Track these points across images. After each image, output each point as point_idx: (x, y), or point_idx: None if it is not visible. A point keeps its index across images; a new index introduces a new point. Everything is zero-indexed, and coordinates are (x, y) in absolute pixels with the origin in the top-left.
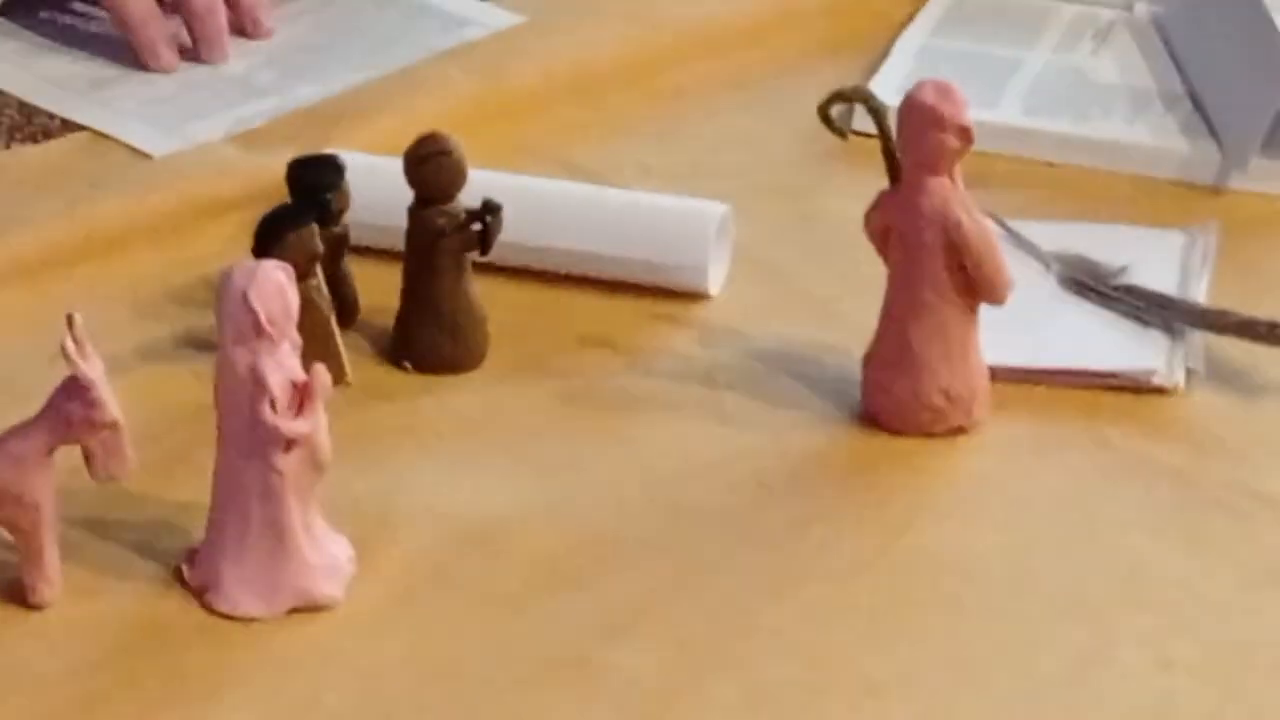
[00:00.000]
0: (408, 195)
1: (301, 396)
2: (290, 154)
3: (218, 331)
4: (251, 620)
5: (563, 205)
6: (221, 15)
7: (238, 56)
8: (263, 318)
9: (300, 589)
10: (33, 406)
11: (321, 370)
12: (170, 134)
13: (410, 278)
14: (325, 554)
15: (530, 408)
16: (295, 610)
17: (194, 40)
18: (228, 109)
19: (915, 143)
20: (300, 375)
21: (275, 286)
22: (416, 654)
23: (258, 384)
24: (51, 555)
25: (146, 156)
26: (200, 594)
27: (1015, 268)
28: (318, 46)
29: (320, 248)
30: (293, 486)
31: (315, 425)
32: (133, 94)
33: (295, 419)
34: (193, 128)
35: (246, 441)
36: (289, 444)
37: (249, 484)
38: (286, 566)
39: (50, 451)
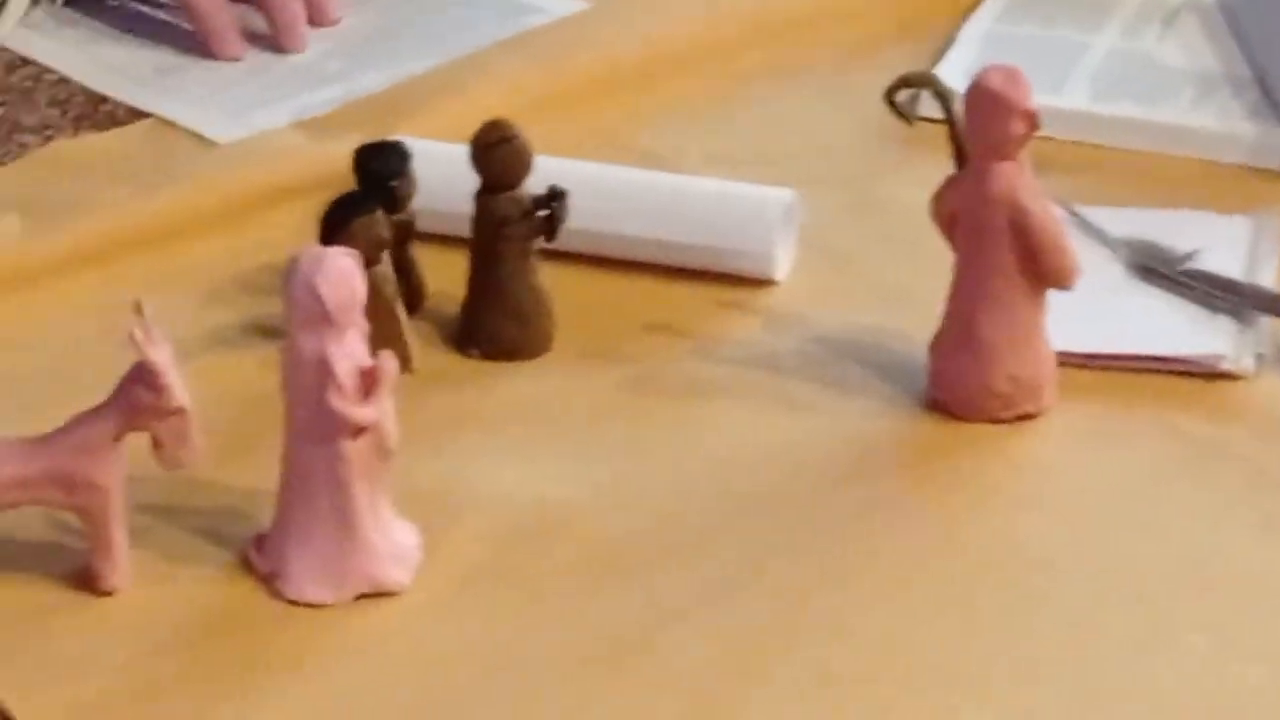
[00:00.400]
0: (474, 182)
1: (369, 383)
2: (356, 141)
3: (285, 318)
4: (319, 607)
5: (628, 192)
6: (298, 3)
7: None
8: (330, 305)
9: (368, 575)
10: (102, 392)
11: (388, 357)
12: (236, 121)
13: (476, 264)
14: (392, 540)
15: (596, 394)
16: (362, 596)
17: (272, 28)
18: (293, 96)
19: (982, 128)
20: (367, 362)
21: (342, 273)
22: (481, 641)
23: (325, 371)
24: (120, 542)
25: (212, 144)
26: (268, 580)
27: (1082, 253)
28: (383, 33)
29: (387, 235)
30: (360, 473)
31: (382, 412)
32: (199, 81)
33: (362, 405)
34: (258, 115)
35: (314, 428)
36: (356, 431)
37: (316, 471)
38: (354, 553)
39: (119, 438)
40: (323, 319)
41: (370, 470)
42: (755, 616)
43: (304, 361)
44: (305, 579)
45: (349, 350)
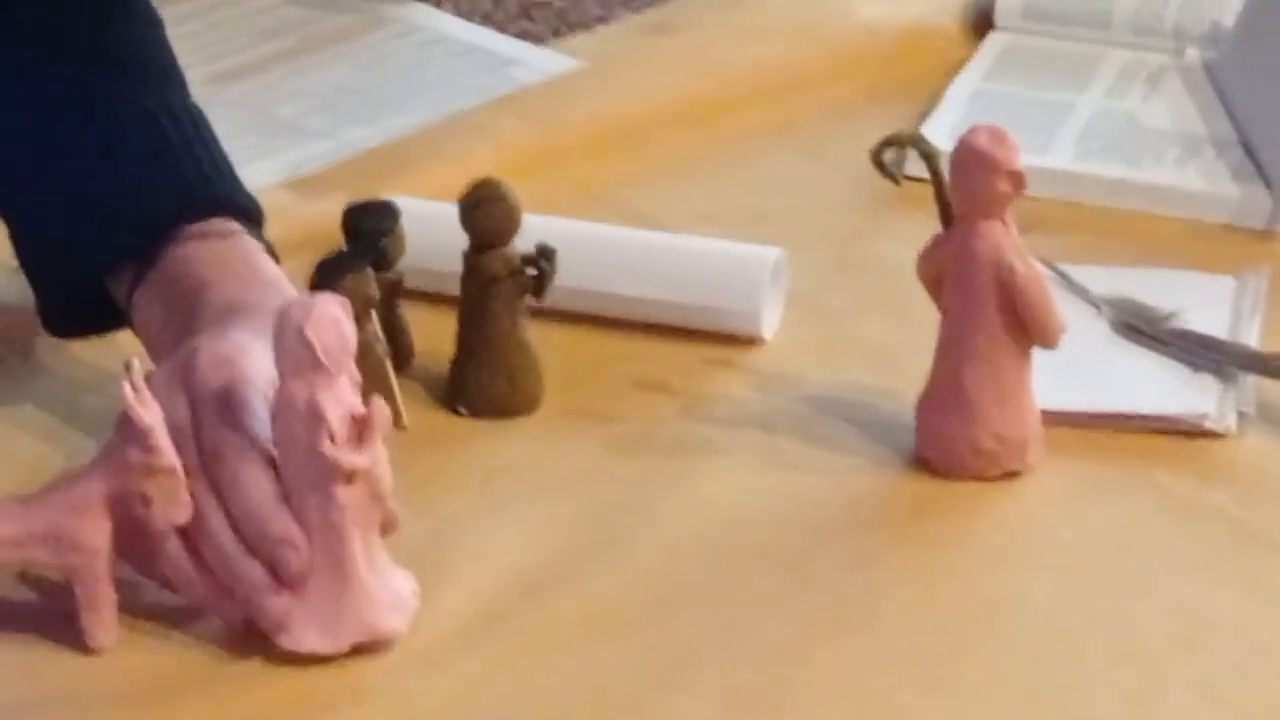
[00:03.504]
0: (463, 240)
1: (361, 429)
2: (345, 199)
3: (276, 366)
4: (316, 657)
5: (617, 250)
6: None
7: (285, 100)
8: (319, 351)
9: (364, 623)
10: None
11: (380, 403)
12: None
13: (465, 323)
14: (390, 588)
15: (584, 452)
16: (360, 646)
17: None
18: (281, 153)
19: (968, 187)
20: (359, 409)
21: (331, 320)
22: (470, 697)
23: (315, 417)
24: (109, 600)
25: None
26: (271, 631)
27: (1067, 312)
28: (365, 88)
29: (376, 292)
30: (354, 520)
31: (375, 458)
32: None
33: (355, 452)
34: (245, 174)
35: (306, 476)
36: (349, 477)
37: (310, 519)
38: (350, 601)
39: (107, 496)
40: (313, 366)
41: (365, 517)
42: (744, 673)
43: (294, 409)
44: (301, 629)
45: (340, 397)
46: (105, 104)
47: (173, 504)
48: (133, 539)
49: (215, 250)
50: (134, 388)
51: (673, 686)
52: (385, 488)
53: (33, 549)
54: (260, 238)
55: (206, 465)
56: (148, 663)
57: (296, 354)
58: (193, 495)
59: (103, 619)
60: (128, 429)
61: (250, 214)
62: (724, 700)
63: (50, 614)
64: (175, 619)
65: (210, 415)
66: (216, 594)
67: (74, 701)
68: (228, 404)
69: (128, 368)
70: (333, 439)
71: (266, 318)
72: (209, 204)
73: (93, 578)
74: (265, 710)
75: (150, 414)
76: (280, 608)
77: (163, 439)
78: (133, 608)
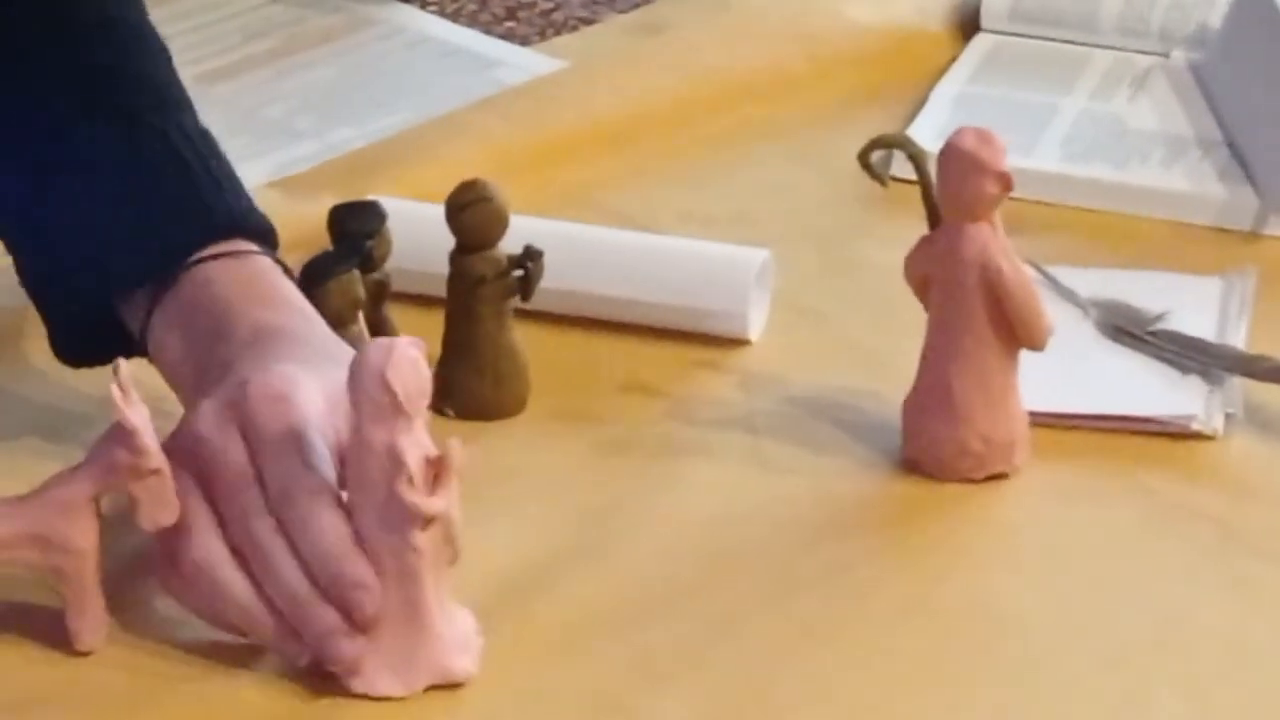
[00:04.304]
0: (449, 241)
1: (436, 472)
2: (331, 200)
3: (352, 410)
4: (385, 699)
5: (603, 252)
6: None
7: (272, 101)
8: (401, 396)
9: (437, 664)
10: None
11: (455, 445)
12: None
13: (451, 324)
14: (456, 627)
15: (570, 454)
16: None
17: None
18: (267, 154)
19: (955, 189)
20: (432, 450)
21: (411, 363)
22: (455, 701)
23: (397, 463)
24: (96, 601)
25: None
26: (334, 675)
27: (1054, 314)
28: (351, 88)
29: (362, 294)
30: (429, 563)
31: (450, 501)
32: None
33: (432, 496)
34: None
35: (383, 519)
36: (427, 521)
37: (385, 562)
38: (423, 643)
39: (95, 498)
40: (394, 410)
41: (438, 559)
42: (732, 676)
43: (374, 453)
44: (375, 672)
45: (417, 439)
46: (119, 127)
47: (160, 505)
48: (197, 582)
49: (234, 271)
50: (121, 389)
51: (659, 688)
52: (457, 529)
53: (20, 550)
54: (276, 258)
55: (274, 508)
56: (135, 664)
57: (377, 399)
58: (257, 538)
59: (90, 620)
60: (115, 430)
61: (265, 235)
62: (711, 702)
63: (37, 615)
64: (163, 622)
65: (273, 456)
66: (282, 634)
67: (61, 703)
68: (291, 445)
69: (115, 369)
70: (411, 483)
71: (305, 346)
72: (225, 225)
73: (80, 579)
74: (252, 711)
75: (137, 415)
76: (353, 652)
77: (150, 440)
78: (121, 609)
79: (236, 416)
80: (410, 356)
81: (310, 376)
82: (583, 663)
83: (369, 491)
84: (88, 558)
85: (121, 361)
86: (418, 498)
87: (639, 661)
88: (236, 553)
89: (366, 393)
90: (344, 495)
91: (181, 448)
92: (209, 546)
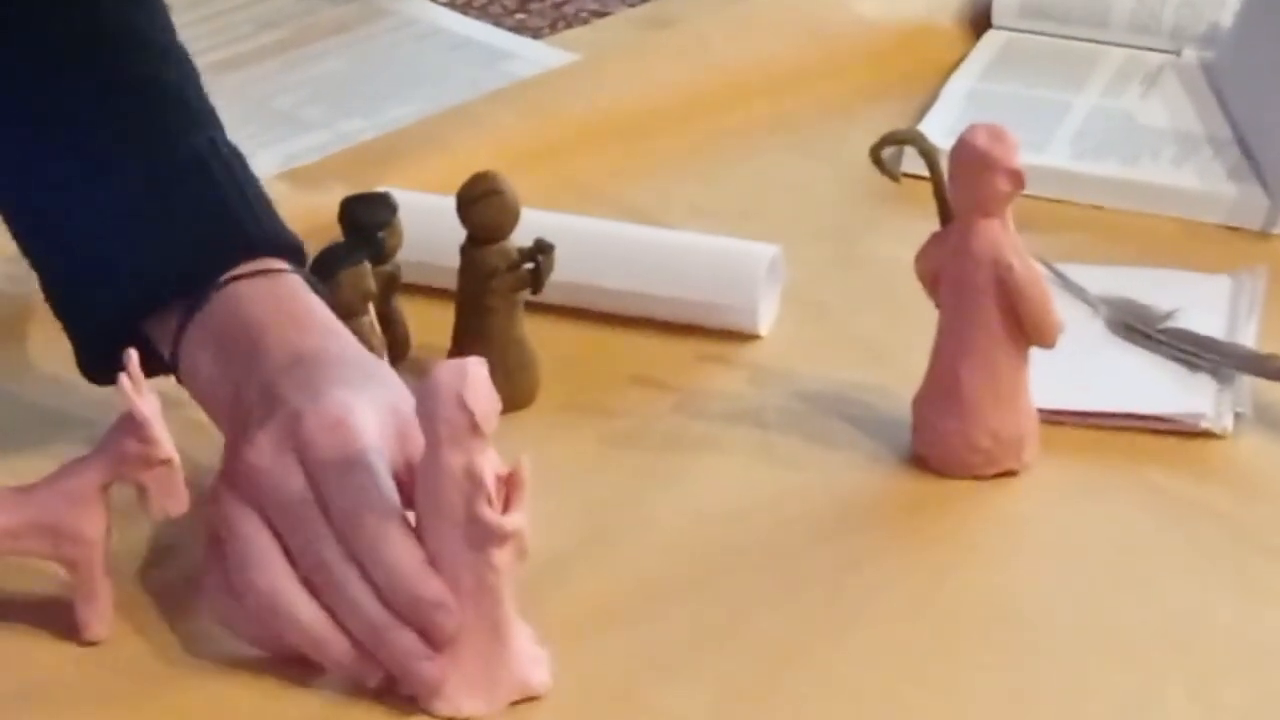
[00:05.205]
0: (460, 234)
1: (509, 489)
2: (342, 192)
3: (426, 432)
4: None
5: (614, 245)
6: None
7: (281, 91)
8: (478, 416)
9: (517, 680)
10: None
11: (525, 463)
12: None
13: (462, 316)
14: (527, 642)
15: (580, 447)
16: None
17: None
18: (277, 144)
19: (967, 186)
20: (502, 468)
21: (483, 382)
22: None
23: (476, 484)
24: (105, 591)
25: None
26: (414, 699)
27: (1064, 311)
28: (361, 80)
29: (372, 286)
30: (507, 580)
31: (524, 516)
32: None
33: (508, 513)
34: None
35: (461, 540)
36: (505, 539)
37: (464, 581)
38: (504, 661)
39: (105, 488)
40: (471, 431)
41: (512, 575)
42: (739, 669)
43: (450, 474)
44: (458, 692)
45: (490, 458)
46: (149, 145)
47: (169, 495)
48: (262, 611)
49: (265, 290)
50: (131, 379)
51: (667, 682)
52: (527, 545)
53: (30, 540)
54: (306, 275)
55: (341, 535)
56: (144, 653)
57: (455, 421)
58: (329, 566)
59: (99, 610)
60: (125, 420)
61: (294, 252)
62: (718, 696)
63: (47, 605)
64: (172, 610)
65: (336, 483)
66: (357, 660)
67: (70, 692)
68: (354, 470)
69: (125, 360)
70: (491, 503)
71: (346, 368)
72: (257, 244)
73: (89, 569)
74: (254, 697)
75: (148, 405)
76: (434, 673)
77: (160, 430)
78: (129, 599)
79: (295, 446)
80: (482, 376)
81: (362, 400)
82: (591, 654)
83: (445, 512)
84: (97, 547)
85: (131, 351)
86: (498, 517)
87: (647, 654)
88: (305, 582)
89: (442, 415)
90: (409, 516)
91: (239, 480)
92: (277, 576)
